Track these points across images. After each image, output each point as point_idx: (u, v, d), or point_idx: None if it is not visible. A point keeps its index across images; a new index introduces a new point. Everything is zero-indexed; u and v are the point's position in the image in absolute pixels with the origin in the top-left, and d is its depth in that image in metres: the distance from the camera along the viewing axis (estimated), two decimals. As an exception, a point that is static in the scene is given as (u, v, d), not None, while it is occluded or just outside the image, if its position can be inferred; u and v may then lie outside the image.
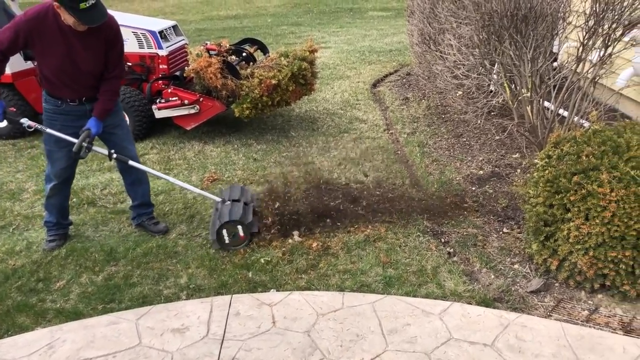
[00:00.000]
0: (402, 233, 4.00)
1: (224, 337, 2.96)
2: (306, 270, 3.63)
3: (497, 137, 5.65)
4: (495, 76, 4.99)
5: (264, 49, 6.38)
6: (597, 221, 3.08)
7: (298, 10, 16.12)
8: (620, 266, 3.09)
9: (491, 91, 5.39)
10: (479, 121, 5.84)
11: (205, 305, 3.23)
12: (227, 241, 3.85)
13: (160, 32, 5.93)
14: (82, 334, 3.01)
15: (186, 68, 5.74)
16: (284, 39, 11.56)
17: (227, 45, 5.92)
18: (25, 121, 3.69)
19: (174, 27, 6.35)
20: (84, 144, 3.59)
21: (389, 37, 11.58)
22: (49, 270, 3.71)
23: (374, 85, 8.08)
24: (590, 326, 3.03)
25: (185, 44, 6.43)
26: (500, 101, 5.13)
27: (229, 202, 4.02)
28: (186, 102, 5.61)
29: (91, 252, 3.88)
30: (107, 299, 3.40)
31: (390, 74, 8.68)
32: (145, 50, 5.87)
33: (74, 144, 3.63)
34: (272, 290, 3.43)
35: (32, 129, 3.69)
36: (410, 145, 5.65)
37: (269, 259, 3.73)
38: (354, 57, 9.77)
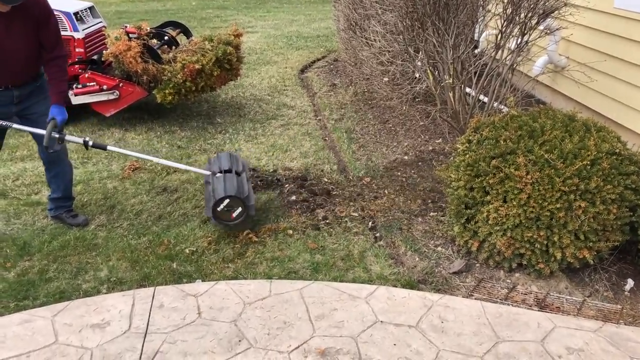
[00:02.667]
0: (330, 219, 4.01)
1: (147, 330, 2.87)
2: (233, 259, 3.57)
3: (422, 123, 5.77)
4: (419, 63, 5.07)
5: (187, 33, 6.20)
6: (514, 203, 3.20)
7: (224, -6, 15.76)
8: (536, 246, 3.23)
9: (415, 77, 5.49)
10: (404, 107, 5.94)
11: (127, 298, 3.11)
12: (225, 218, 3.66)
13: (76, 14, 5.62)
14: (-9, 334, 2.83)
15: (104, 52, 5.48)
16: (209, 23, 11.29)
17: (148, 29, 5.69)
18: None
19: (91, 8, 6.04)
20: (55, 135, 3.41)
21: (317, 23, 11.56)
22: (-46, 267, 3.46)
23: (302, 71, 8.05)
24: (508, 304, 3.16)
25: (103, 26, 6.13)
26: (424, 87, 5.23)
27: (219, 174, 3.81)
28: (105, 87, 5.36)
29: (2, 247, 3.64)
30: (20, 296, 3.21)
31: (318, 59, 8.66)
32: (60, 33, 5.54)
33: (3, 130, 3.44)
34: (198, 280, 3.36)
35: None
36: (337, 132, 5.67)
37: (194, 249, 3.65)
38: (281, 42, 9.68)
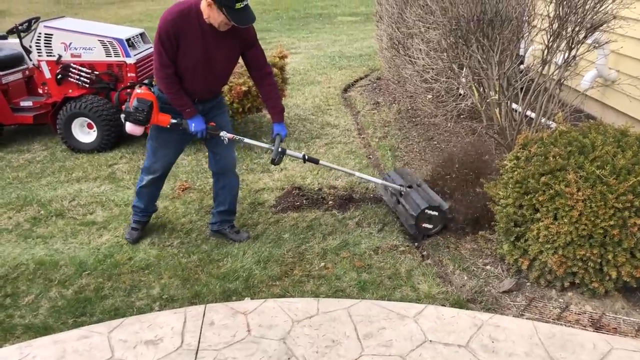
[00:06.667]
0: (377, 237, 4.02)
1: (198, 347, 2.93)
2: (280, 277, 3.61)
3: (467, 140, 5.72)
4: (463, 79, 5.06)
5: (233, 56, 6.35)
6: (565, 220, 3.13)
7: (267, 16, 16.09)
8: (589, 264, 3.15)
9: (460, 94, 5.46)
10: (448, 124, 5.91)
11: (179, 315, 3.19)
12: (429, 227, 3.95)
13: (128, 40, 5.85)
14: (52, 349, 2.94)
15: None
16: (254, 45, 11.51)
17: (197, 52, 5.87)
18: (224, 134, 3.73)
19: (142, 34, 6.28)
20: (280, 149, 3.73)
21: (359, 42, 11.65)
22: (16, 285, 3.62)
23: (345, 90, 8.12)
24: (561, 324, 3.08)
25: (154, 51, 6.35)
26: (469, 104, 5.20)
27: (407, 189, 4.08)
28: (156, 110, 5.54)
29: (60, 265, 3.80)
30: (78, 313, 3.33)
31: (361, 78, 8.73)
32: (113, 59, 5.79)
33: (183, 145, 3.86)
34: (247, 298, 3.41)
35: (228, 141, 3.76)
36: (382, 150, 5.69)
37: (242, 265, 3.71)
38: (324, 63, 9.80)
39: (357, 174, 4.25)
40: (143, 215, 4.13)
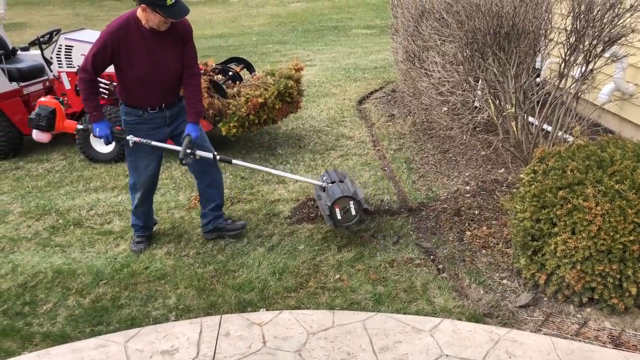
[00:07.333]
0: (392, 250, 4.01)
1: (214, 358, 2.93)
2: (295, 288, 3.62)
3: (483, 153, 5.71)
4: (479, 92, 5.05)
5: (250, 68, 6.41)
6: (584, 235, 3.11)
7: (283, 29, 16.22)
8: (608, 279, 3.12)
9: (476, 107, 5.45)
10: (464, 137, 5.90)
11: (195, 326, 3.20)
12: (339, 217, 3.93)
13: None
14: (70, 357, 2.96)
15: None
16: (270, 58, 11.61)
17: (214, 65, 5.94)
18: (130, 138, 3.76)
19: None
20: (188, 151, 3.73)
21: (374, 55, 11.68)
22: (35, 293, 3.66)
23: (360, 102, 8.13)
24: (580, 340, 3.05)
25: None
26: (485, 117, 5.18)
27: (331, 183, 4.14)
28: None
29: (78, 274, 3.84)
30: (95, 322, 3.36)
31: (376, 90, 8.74)
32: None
33: (159, 153, 3.88)
34: (262, 309, 3.41)
35: (134, 144, 3.78)
36: (397, 162, 5.69)
37: (258, 276, 3.72)
38: (339, 75, 9.83)
39: (275, 171, 4.38)
40: (144, 230, 4.22)
